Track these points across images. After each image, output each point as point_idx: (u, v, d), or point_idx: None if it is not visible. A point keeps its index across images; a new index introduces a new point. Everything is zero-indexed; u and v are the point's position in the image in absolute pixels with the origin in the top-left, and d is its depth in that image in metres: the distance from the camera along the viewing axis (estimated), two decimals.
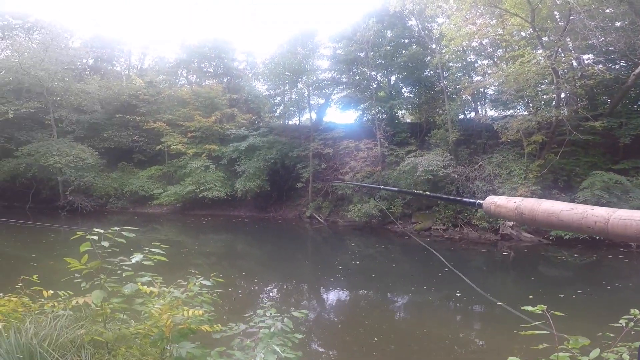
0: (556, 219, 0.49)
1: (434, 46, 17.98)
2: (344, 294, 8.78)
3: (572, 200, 12.65)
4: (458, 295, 7.71)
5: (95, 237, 1.97)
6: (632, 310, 2.11)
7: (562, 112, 13.21)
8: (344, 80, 22.13)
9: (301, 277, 9.86)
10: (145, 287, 1.97)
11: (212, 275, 2.41)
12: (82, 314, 2.10)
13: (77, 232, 2.11)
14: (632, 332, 2.06)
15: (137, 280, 2.00)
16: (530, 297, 7.29)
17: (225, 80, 27.06)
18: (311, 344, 5.83)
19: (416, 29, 19.73)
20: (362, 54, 19.61)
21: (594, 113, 13.91)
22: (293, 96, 23.27)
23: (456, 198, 0.86)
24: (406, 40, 20.77)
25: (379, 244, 14.48)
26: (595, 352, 1.89)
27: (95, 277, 2.02)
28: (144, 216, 20.53)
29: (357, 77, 21.34)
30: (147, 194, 21.43)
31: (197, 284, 2.25)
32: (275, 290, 8.89)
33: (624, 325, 2.09)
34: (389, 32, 20.40)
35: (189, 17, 43.05)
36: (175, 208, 21.37)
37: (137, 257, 1.99)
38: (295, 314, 2.53)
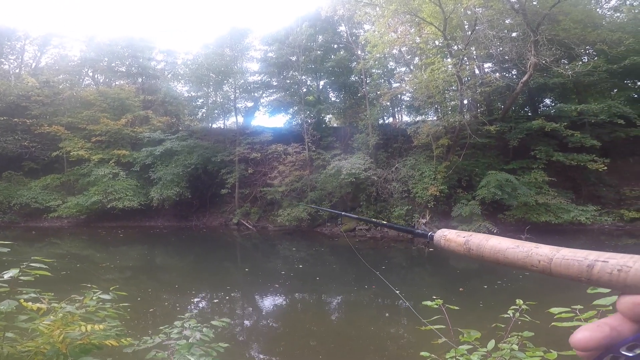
0: (502, 257, 0.51)
1: (359, 52, 19.01)
2: (293, 299, 8.54)
3: (473, 198, 14.33)
4: (397, 291, 8.10)
5: None
6: (517, 301, 2.24)
7: (464, 117, 14.88)
8: (275, 83, 22.05)
9: (239, 285, 9.41)
10: (29, 303, 1.66)
11: (112, 288, 2.15)
12: None
13: None
14: (519, 322, 2.22)
15: (18, 297, 1.68)
16: (461, 289, 7.90)
17: (140, 80, 25.02)
18: (250, 351, 5.59)
19: (345, 34, 20.65)
20: (293, 58, 19.78)
21: (490, 118, 15.99)
22: (218, 99, 22.39)
23: (409, 229, 0.87)
24: (335, 46, 21.58)
25: (312, 247, 14.59)
26: (491, 344, 2.03)
27: None
28: (40, 230, 17.78)
29: (288, 81, 21.43)
30: (42, 206, 18.65)
31: (94, 298, 1.97)
32: (205, 301, 8.27)
33: (512, 315, 2.23)
34: (320, 36, 20.95)
35: (99, 10, 38.53)
36: (79, 221, 18.97)
37: (11, 272, 1.68)
38: (215, 323, 2.38)
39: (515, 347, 2.01)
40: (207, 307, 7.74)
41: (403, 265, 11.94)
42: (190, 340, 2.06)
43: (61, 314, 1.71)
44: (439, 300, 2.28)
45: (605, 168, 13.79)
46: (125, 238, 16.91)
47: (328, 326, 6.74)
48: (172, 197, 17.96)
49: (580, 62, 15.34)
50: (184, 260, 13.01)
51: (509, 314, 2.25)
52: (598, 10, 17.84)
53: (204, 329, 2.24)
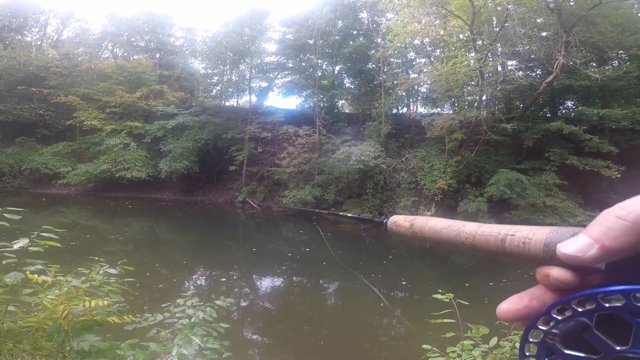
0: (439, 236, 0.53)
1: (379, 40, 18.63)
2: (299, 283, 8.53)
3: (481, 195, 14.13)
4: (404, 283, 8.11)
5: None
6: None
7: (481, 113, 14.50)
8: (290, 65, 21.89)
9: (246, 266, 9.43)
10: (35, 275, 1.65)
11: (119, 263, 2.13)
12: None
13: None
14: None
15: (24, 268, 1.67)
16: (467, 284, 7.89)
17: (158, 55, 25.18)
18: (244, 332, 5.66)
19: (366, 21, 20.30)
20: (311, 41, 19.55)
21: (507, 116, 15.48)
22: (233, 77, 22.36)
23: (369, 218, 0.92)
24: (355, 32, 21.21)
25: (316, 230, 14.59)
26: (493, 341, 2.05)
27: None
28: (47, 197, 18.13)
29: (304, 64, 21.26)
30: (51, 172, 18.99)
31: (100, 272, 1.95)
32: (212, 280, 8.25)
33: None
34: (340, 22, 20.61)
35: None
36: (87, 189, 19.31)
37: (21, 243, 1.66)
38: (219, 303, 2.37)
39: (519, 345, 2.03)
40: (214, 286, 7.77)
41: (407, 256, 11.90)
42: (193, 320, 2.06)
43: (66, 288, 1.71)
44: (449, 294, 2.27)
45: (620, 176, 13.38)
46: (132, 209, 17.16)
47: (327, 312, 6.79)
48: (180, 170, 18.14)
49: (610, 66, 14.68)
50: (192, 236, 13.16)
51: None
52: (639, 14, 16.89)
53: (208, 309, 2.23)
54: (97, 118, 19.58)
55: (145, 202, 18.73)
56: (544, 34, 14.97)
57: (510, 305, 0.38)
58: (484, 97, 15.60)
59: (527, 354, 0.38)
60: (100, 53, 25.75)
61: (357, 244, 11.86)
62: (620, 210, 0.30)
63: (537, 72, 17.41)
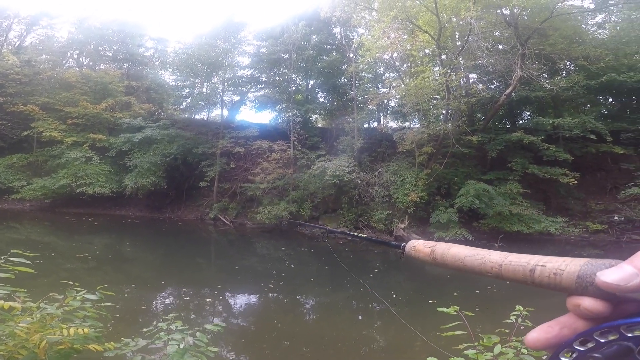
0: (462, 264, 0.54)
1: (351, 55, 19.07)
2: (288, 301, 8.15)
3: (451, 206, 14.57)
4: (394, 295, 8.03)
5: None
6: (517, 307, 2.30)
7: (448, 126, 15.03)
8: (264, 79, 21.83)
9: (230, 285, 9.01)
10: (1, 302, 1.45)
11: (98, 288, 1.94)
12: None
13: None
14: (522, 328, 2.23)
15: None
16: (455, 294, 7.95)
17: (126, 66, 24.48)
18: (231, 355, 5.34)
19: (339, 36, 20.83)
20: (286, 55, 19.65)
21: (471, 128, 16.12)
22: (205, 90, 21.96)
23: (386, 241, 0.93)
24: (328, 47, 21.64)
25: (294, 247, 14.32)
26: (497, 349, 2.07)
27: None
28: None
29: (278, 78, 21.30)
30: (3, 186, 17.65)
31: (78, 297, 1.75)
32: (187, 300, 7.73)
33: (514, 321, 2.29)
34: (314, 36, 20.97)
35: None
36: (43, 204, 18.08)
37: None
38: (209, 327, 2.20)
39: (525, 350, 2.09)
40: (199, 308, 7.29)
41: (390, 268, 11.82)
42: (182, 346, 1.89)
43: (39, 315, 1.51)
44: (455, 306, 2.25)
45: (576, 182, 14.17)
46: (96, 226, 16.11)
47: (317, 330, 6.55)
48: (147, 186, 17.36)
49: (559, 77, 15.56)
50: (166, 255, 12.33)
51: (511, 320, 2.30)
52: (583, 26, 18.19)
53: (198, 334, 2.07)
54: (57, 129, 18.52)
55: (109, 219, 17.69)
56: (500, 47, 15.93)
57: (541, 334, 0.39)
58: (450, 111, 16.22)
59: None
60: (64, 61, 24.61)
61: (343, 258, 11.74)
62: None
63: (496, 84, 18.37)
